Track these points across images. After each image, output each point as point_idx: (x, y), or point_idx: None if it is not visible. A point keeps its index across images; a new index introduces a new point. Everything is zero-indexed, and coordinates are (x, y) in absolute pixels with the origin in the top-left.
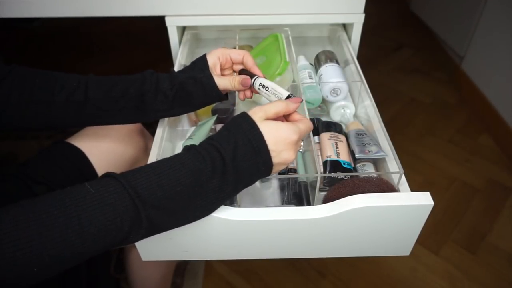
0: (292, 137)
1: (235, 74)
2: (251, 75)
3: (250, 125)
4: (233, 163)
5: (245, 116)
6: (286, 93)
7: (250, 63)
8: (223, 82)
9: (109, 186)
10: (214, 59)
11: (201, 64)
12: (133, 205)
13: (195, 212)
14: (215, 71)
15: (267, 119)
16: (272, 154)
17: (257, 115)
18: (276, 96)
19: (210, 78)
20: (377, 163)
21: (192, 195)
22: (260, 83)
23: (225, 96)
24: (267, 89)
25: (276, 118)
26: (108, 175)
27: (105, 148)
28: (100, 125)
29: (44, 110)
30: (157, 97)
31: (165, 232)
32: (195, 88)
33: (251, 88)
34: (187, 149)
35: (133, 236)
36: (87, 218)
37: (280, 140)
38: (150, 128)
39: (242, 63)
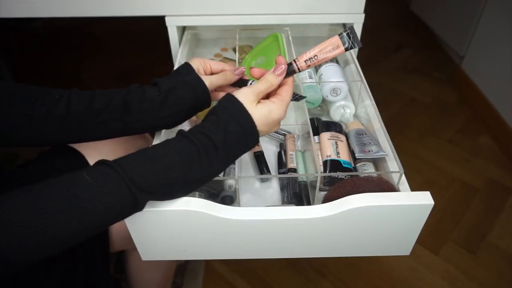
0: (282, 115)
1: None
2: (245, 81)
3: (239, 110)
4: (224, 147)
5: (233, 101)
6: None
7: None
8: (214, 79)
9: (106, 176)
10: (196, 64)
11: (185, 69)
12: (130, 193)
13: (188, 190)
14: (200, 73)
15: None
16: (261, 133)
17: (248, 99)
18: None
19: (199, 80)
20: (377, 162)
21: (184, 180)
22: (308, 59)
23: (209, 102)
24: (315, 57)
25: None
26: (102, 162)
27: (104, 151)
28: (83, 141)
29: (23, 123)
30: (142, 106)
31: (165, 232)
32: (185, 91)
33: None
34: (179, 135)
35: (131, 215)
36: (86, 208)
37: (271, 121)
38: None
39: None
